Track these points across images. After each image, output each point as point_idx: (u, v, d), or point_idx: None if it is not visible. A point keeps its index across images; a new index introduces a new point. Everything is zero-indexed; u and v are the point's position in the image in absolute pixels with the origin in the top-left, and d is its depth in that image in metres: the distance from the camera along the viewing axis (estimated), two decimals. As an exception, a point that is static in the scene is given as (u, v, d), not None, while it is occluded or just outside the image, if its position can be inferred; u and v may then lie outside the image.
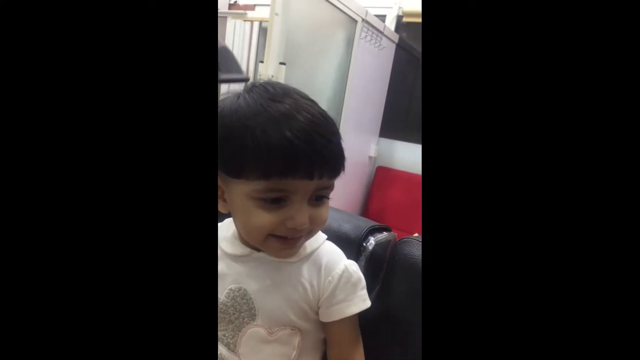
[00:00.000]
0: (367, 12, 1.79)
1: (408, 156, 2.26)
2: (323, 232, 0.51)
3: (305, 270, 0.47)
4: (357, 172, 2.17)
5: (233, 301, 0.47)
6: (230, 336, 0.47)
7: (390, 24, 2.22)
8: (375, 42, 1.95)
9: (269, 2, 1.39)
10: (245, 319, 0.47)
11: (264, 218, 0.42)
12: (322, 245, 0.50)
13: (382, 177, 2.29)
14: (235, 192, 0.43)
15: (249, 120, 0.40)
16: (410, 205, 2.01)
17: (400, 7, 2.22)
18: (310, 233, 0.45)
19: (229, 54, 0.54)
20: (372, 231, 0.56)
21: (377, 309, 0.50)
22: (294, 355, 0.47)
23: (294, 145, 0.39)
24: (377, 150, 2.30)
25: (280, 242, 0.43)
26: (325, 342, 0.51)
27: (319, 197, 0.43)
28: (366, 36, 1.85)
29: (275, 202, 0.41)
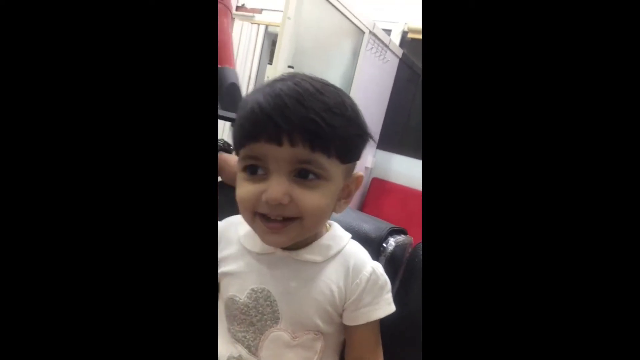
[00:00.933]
0: (374, 25, 1.82)
1: (404, 169, 2.27)
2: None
3: (332, 271, 0.45)
4: (353, 181, 2.17)
5: (255, 302, 0.45)
6: (252, 338, 0.45)
7: (396, 38, 2.26)
8: (380, 55, 1.98)
9: (276, 7, 1.40)
10: (268, 322, 0.45)
11: (244, 189, 0.41)
12: (347, 245, 0.47)
13: (377, 189, 2.30)
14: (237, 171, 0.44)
15: (245, 98, 0.43)
16: (404, 218, 2.02)
17: (406, 23, 2.27)
18: (301, 222, 0.41)
19: (236, 92, 0.57)
20: (392, 232, 0.56)
21: (395, 311, 0.50)
22: (315, 359, 0.46)
23: (262, 107, 0.38)
24: (373, 162, 2.31)
25: (265, 224, 0.41)
26: (343, 344, 0.49)
27: (303, 173, 0.40)
28: (372, 48, 1.88)
29: (253, 172, 0.41)
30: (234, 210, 0.54)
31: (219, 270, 0.48)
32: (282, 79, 0.41)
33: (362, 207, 2.29)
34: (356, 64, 1.82)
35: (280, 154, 0.39)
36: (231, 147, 0.67)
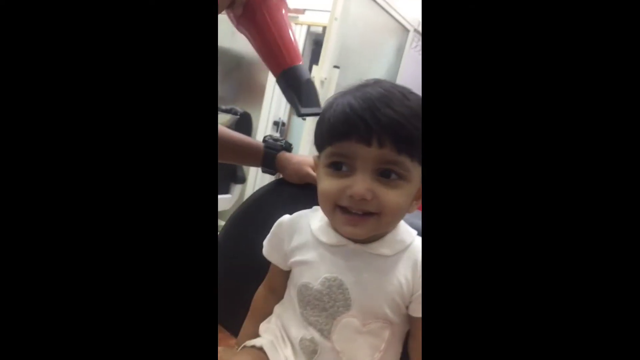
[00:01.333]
0: (419, 23, 1.80)
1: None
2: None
3: (401, 265, 0.48)
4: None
5: (329, 290, 0.48)
6: (324, 323, 0.48)
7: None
8: (425, 53, 1.96)
9: (319, 7, 1.42)
10: (340, 309, 0.47)
11: (328, 183, 0.45)
12: (415, 241, 0.49)
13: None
14: (319, 166, 0.48)
15: (331, 99, 0.46)
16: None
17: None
18: (379, 217, 0.44)
19: (312, 88, 0.60)
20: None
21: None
22: (383, 346, 0.48)
23: (354, 109, 0.42)
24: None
25: (344, 216, 0.44)
26: (408, 334, 0.51)
27: (386, 173, 0.43)
28: (416, 46, 1.86)
29: (338, 168, 0.44)
30: (295, 205, 0.57)
31: (292, 260, 0.52)
32: (368, 84, 0.45)
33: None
34: (400, 62, 1.82)
35: (369, 153, 0.42)
36: (291, 146, 0.71)
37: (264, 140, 0.70)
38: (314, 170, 0.60)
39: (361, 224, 0.44)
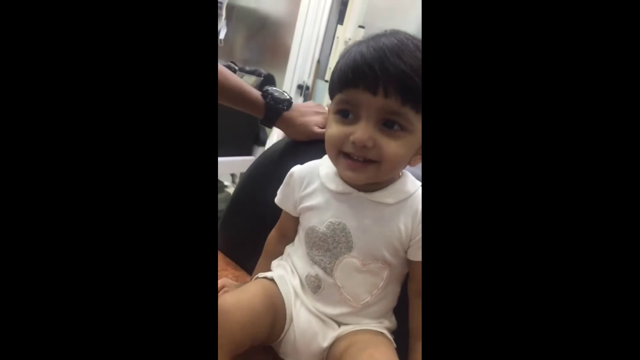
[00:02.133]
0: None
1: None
2: None
3: (401, 213, 0.50)
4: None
5: (333, 232, 0.51)
6: (328, 262, 0.52)
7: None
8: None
9: None
10: (343, 250, 0.51)
11: (334, 129, 0.47)
12: (417, 192, 0.51)
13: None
14: (329, 112, 0.50)
15: (348, 47, 0.47)
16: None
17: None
18: (379, 165, 0.46)
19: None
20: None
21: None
22: (381, 284, 0.52)
23: (365, 58, 0.43)
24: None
25: (346, 161, 0.47)
26: (405, 275, 0.55)
27: (389, 123, 0.44)
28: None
29: (345, 115, 0.46)
30: (296, 160, 0.60)
31: (302, 205, 0.55)
32: (385, 35, 0.46)
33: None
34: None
35: (374, 102, 0.44)
36: (292, 103, 0.70)
37: (263, 95, 0.68)
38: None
39: (361, 170, 0.46)
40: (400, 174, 0.53)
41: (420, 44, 0.45)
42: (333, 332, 0.52)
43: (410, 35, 0.46)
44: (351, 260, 0.51)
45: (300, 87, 2.26)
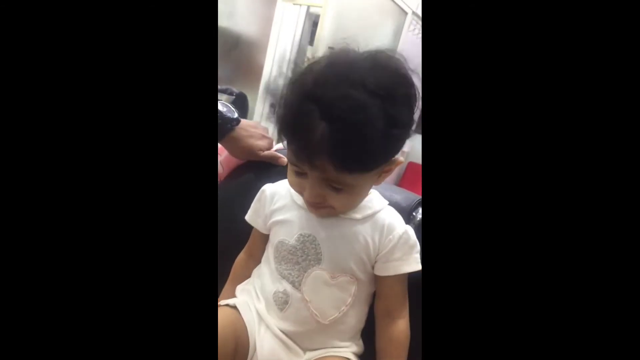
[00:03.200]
0: (418, 5, 1.79)
1: (441, 154, 2.24)
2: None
3: (369, 227, 0.52)
4: (389, 164, 2.18)
5: (302, 245, 0.52)
6: (296, 275, 0.52)
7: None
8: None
9: None
10: (312, 262, 0.51)
11: (292, 179, 0.49)
12: (384, 209, 0.54)
13: (413, 173, 2.29)
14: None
15: (287, 84, 0.46)
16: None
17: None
18: (334, 210, 0.48)
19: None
20: (421, 203, 0.59)
21: (420, 275, 0.53)
22: (349, 301, 0.52)
23: (294, 114, 0.42)
24: (411, 146, 2.30)
25: (307, 202, 0.49)
26: (373, 296, 0.55)
27: (336, 189, 0.45)
28: (414, 29, 1.86)
29: (297, 167, 0.46)
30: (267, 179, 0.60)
31: (272, 220, 0.56)
32: (327, 63, 0.43)
33: (397, 190, 2.30)
34: (397, 45, 1.81)
35: (313, 173, 0.44)
36: (239, 122, 0.69)
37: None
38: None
39: (320, 210, 0.50)
40: (369, 192, 0.54)
41: (383, 58, 0.43)
42: (298, 359, 0.51)
43: (366, 57, 0.43)
44: (320, 272, 0.51)
45: (273, 105, 2.27)
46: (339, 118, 0.39)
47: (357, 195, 0.49)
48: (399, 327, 0.51)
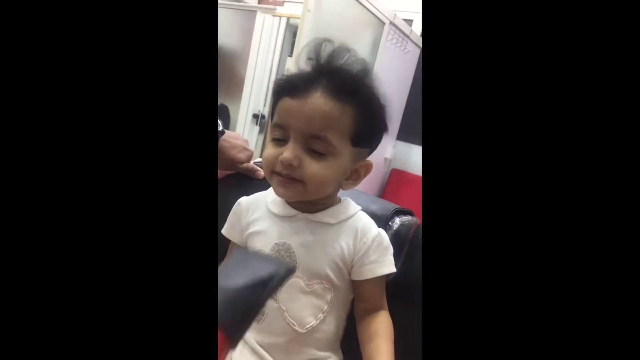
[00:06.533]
0: (395, 15, 1.82)
1: (423, 160, 2.27)
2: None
3: (343, 232, 0.53)
4: (372, 172, 2.19)
5: (278, 254, 0.52)
6: None
7: (417, 28, 2.25)
8: (401, 46, 1.98)
9: None
10: None
11: (268, 151, 0.51)
12: (357, 213, 0.55)
13: (396, 180, 2.31)
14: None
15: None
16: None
17: (427, 13, 2.25)
18: (304, 185, 0.49)
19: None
20: (398, 213, 0.60)
21: (400, 283, 0.54)
22: (325, 308, 0.52)
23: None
24: (393, 153, 2.32)
25: (278, 178, 0.50)
26: (351, 303, 0.55)
27: (314, 151, 0.48)
28: (392, 39, 1.89)
29: (278, 139, 0.50)
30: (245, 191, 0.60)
31: (248, 232, 0.56)
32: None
33: (381, 197, 2.31)
34: (376, 55, 1.84)
35: (296, 127, 0.48)
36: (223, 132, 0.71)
37: None
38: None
39: (290, 186, 0.49)
40: (342, 199, 0.56)
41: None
42: None
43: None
44: (296, 280, 0.51)
45: (255, 116, 2.27)
46: (337, 69, 0.49)
47: (331, 170, 0.49)
48: (381, 318, 0.52)
